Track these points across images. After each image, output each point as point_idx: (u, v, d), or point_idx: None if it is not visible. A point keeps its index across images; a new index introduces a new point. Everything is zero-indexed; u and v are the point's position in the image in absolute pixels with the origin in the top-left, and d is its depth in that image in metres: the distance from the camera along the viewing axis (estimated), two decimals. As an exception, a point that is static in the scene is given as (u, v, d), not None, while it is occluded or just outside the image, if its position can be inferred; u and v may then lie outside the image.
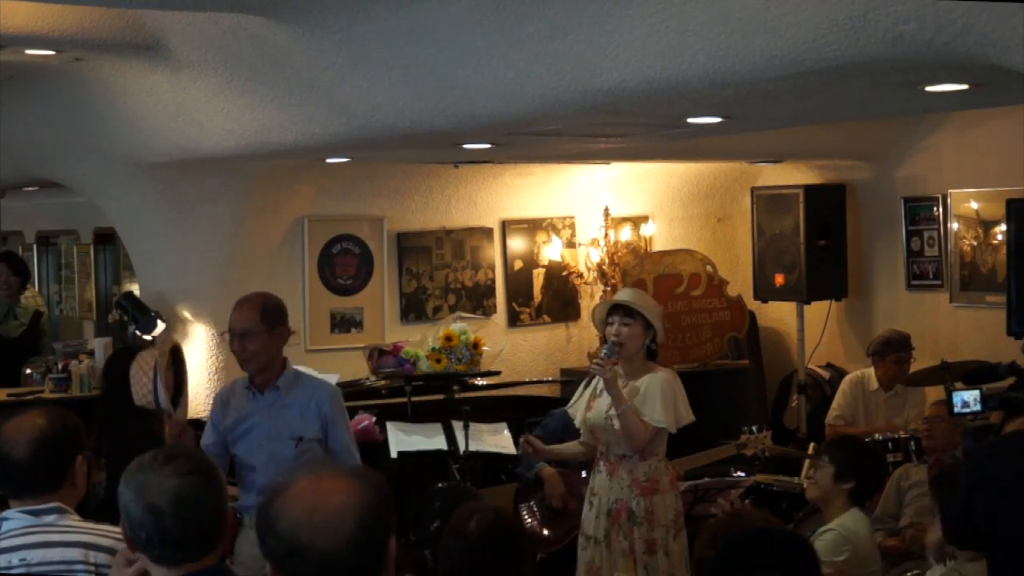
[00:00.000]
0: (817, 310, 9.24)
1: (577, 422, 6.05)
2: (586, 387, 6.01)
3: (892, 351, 7.86)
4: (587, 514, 5.91)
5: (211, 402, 5.59)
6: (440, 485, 4.82)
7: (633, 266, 9.37)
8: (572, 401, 6.11)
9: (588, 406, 5.94)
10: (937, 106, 6.69)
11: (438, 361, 7.88)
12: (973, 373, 5.51)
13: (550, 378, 9.39)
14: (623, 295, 6.06)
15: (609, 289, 9.42)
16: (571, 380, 8.38)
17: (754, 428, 7.29)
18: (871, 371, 8.01)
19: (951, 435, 6.48)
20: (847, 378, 8.25)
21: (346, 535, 2.33)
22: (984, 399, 5.16)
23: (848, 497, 5.24)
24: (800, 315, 9.14)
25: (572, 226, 9.68)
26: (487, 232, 9.52)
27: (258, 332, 5.14)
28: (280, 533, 2.34)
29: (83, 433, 3.62)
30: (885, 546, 6.41)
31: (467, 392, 8.11)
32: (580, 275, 9.59)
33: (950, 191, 8.61)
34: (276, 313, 5.23)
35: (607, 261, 9.51)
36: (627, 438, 5.76)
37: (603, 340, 5.99)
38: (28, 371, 8.68)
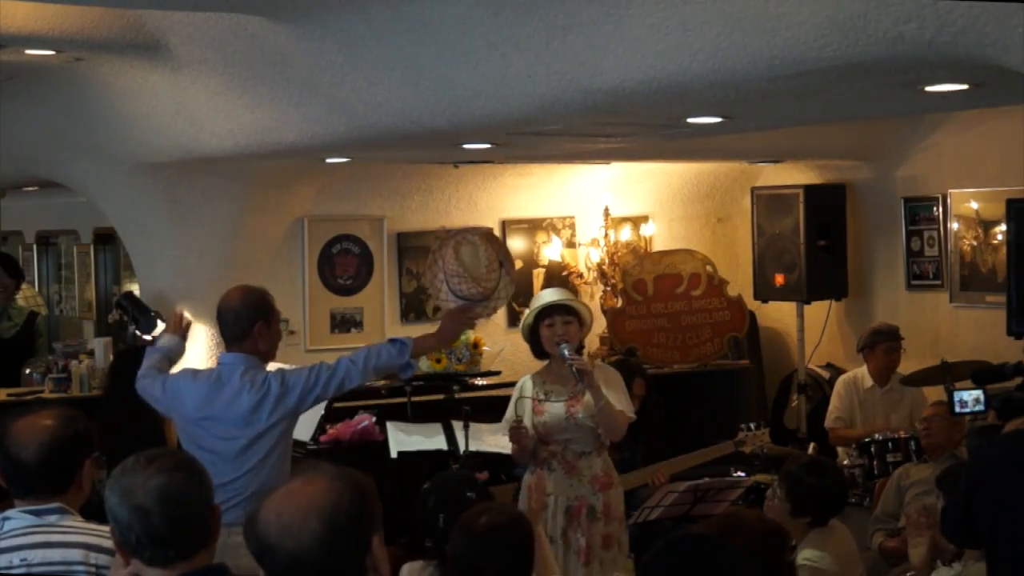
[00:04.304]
0: (817, 310, 9.23)
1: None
2: (519, 398, 5.90)
3: (882, 340, 7.88)
4: (544, 514, 5.82)
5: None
6: (427, 486, 4.76)
7: (633, 266, 9.37)
8: (507, 417, 5.94)
9: (536, 411, 5.84)
10: (937, 106, 6.69)
11: (438, 361, 7.88)
12: (980, 373, 5.50)
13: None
14: (558, 295, 6.02)
15: (609, 289, 9.42)
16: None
17: (751, 425, 7.29)
18: (863, 370, 8.01)
19: (950, 433, 6.49)
20: (840, 379, 8.23)
21: (311, 536, 2.42)
22: (987, 399, 5.17)
23: (807, 526, 4.91)
24: (800, 315, 9.15)
25: (572, 226, 9.68)
26: (487, 232, 9.51)
27: None
28: (256, 533, 2.47)
29: (93, 437, 3.61)
30: (885, 547, 6.42)
31: (467, 392, 8.10)
32: (580, 275, 9.58)
33: (950, 191, 8.61)
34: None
35: (607, 261, 9.51)
36: (609, 429, 5.80)
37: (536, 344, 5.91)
38: (28, 371, 8.67)
